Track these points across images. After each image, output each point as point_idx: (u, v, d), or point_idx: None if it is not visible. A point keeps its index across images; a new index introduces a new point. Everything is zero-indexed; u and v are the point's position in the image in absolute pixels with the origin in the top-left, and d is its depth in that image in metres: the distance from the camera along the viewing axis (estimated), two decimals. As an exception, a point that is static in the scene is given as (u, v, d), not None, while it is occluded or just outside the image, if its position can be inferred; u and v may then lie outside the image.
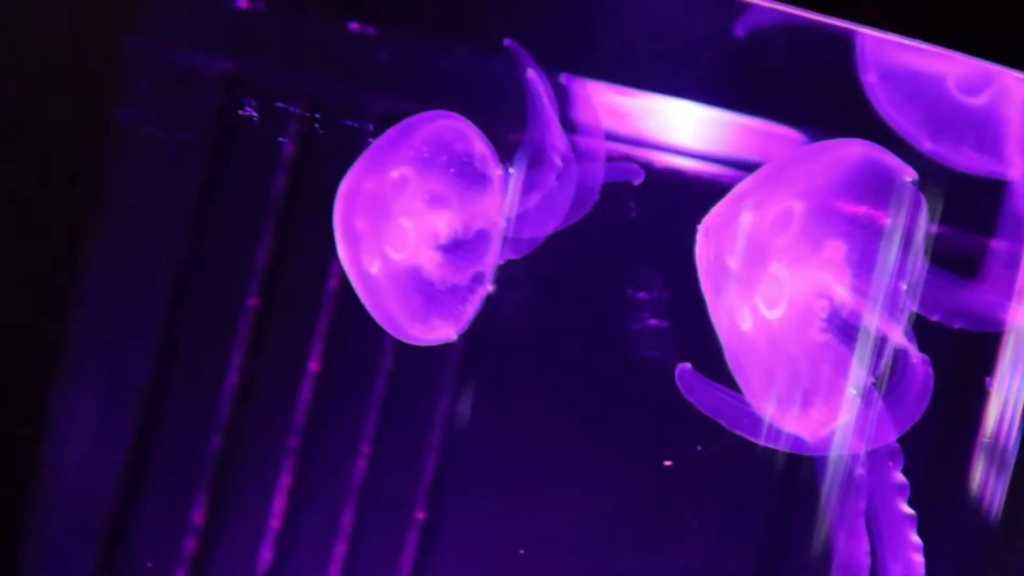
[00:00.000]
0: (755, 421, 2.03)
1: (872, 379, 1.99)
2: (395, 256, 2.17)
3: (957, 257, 2.10)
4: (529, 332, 2.38)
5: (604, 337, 2.35)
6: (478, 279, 2.19)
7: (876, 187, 1.96)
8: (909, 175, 1.97)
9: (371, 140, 2.26)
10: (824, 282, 1.97)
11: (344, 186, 2.21)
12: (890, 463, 2.00)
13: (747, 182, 2.03)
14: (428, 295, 2.18)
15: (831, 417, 1.97)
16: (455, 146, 2.19)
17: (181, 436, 2.45)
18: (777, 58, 2.24)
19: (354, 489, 2.43)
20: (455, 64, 2.38)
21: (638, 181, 2.23)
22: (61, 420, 2.39)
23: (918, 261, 1.98)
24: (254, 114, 2.35)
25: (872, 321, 1.96)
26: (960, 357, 2.19)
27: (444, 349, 2.41)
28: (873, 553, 2.02)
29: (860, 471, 1.99)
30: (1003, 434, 2.17)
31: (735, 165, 2.30)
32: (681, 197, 2.27)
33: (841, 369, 1.97)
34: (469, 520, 2.43)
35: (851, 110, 2.20)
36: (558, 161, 2.17)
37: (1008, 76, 2.05)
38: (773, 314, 1.98)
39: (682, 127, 2.36)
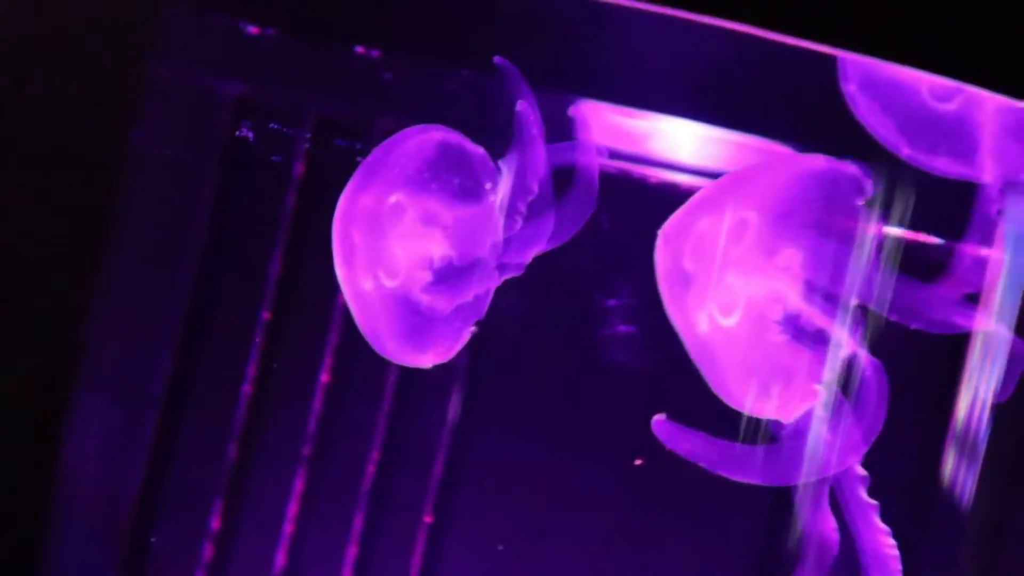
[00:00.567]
0: (735, 462, 2.11)
1: (832, 384, 2.07)
2: (387, 282, 2.25)
3: (926, 261, 2.18)
4: (526, 339, 2.47)
5: (589, 345, 2.43)
6: (471, 307, 2.26)
7: (833, 200, 2.04)
8: (865, 192, 2.05)
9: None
10: (778, 289, 2.05)
11: (340, 205, 2.29)
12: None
13: (706, 190, 2.11)
14: (419, 320, 2.25)
15: (794, 412, 2.06)
16: (446, 159, 2.26)
17: (199, 445, 2.54)
18: (764, 75, 2.32)
19: (364, 494, 2.52)
20: (461, 85, 2.47)
21: (600, 157, 2.29)
22: (83, 431, 2.50)
23: (876, 268, 2.06)
24: (250, 135, 2.45)
25: (826, 328, 2.04)
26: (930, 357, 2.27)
27: (450, 361, 2.50)
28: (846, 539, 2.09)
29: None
30: (972, 430, 2.25)
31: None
32: (671, 209, 2.35)
33: (799, 371, 2.05)
34: (475, 523, 2.51)
35: (838, 123, 2.28)
36: (535, 187, 2.24)
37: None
38: (729, 321, 2.06)
39: (676, 144, 2.44)
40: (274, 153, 2.52)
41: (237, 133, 2.52)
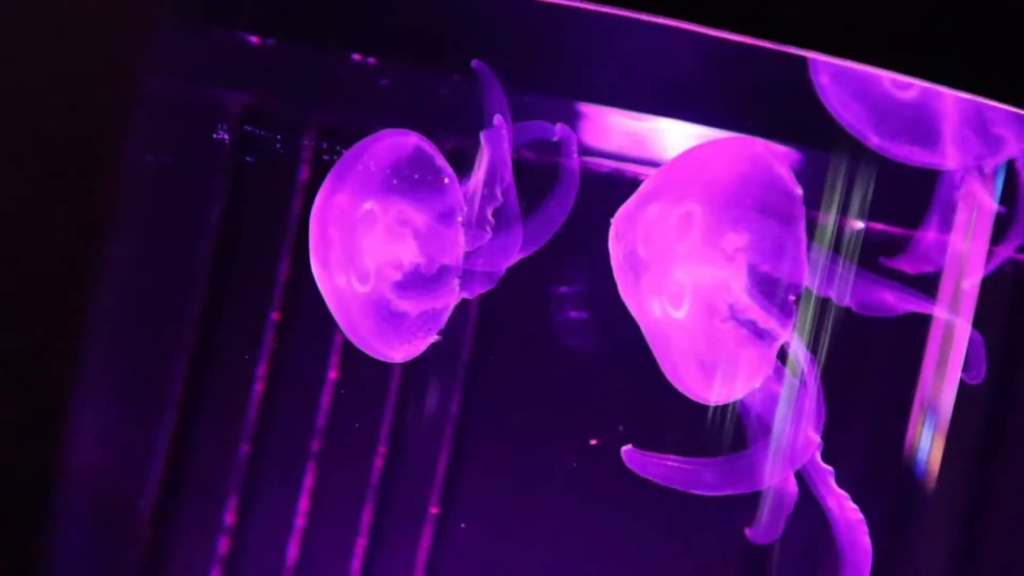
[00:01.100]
0: (707, 482, 2.17)
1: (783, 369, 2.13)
2: (357, 284, 2.31)
3: (882, 250, 2.24)
4: (525, 331, 2.54)
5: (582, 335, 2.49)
6: (435, 315, 2.31)
7: (772, 185, 2.09)
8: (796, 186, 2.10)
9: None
10: (726, 276, 2.10)
11: (315, 204, 2.36)
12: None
13: (652, 179, 2.17)
14: (387, 319, 2.31)
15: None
16: (418, 164, 2.31)
17: (213, 443, 2.63)
18: (729, 71, 2.37)
19: (372, 487, 2.60)
20: (454, 91, 2.54)
21: (555, 138, 2.34)
22: (99, 434, 2.59)
23: (822, 254, 2.11)
24: (226, 138, 2.53)
25: (773, 314, 2.09)
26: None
27: (452, 357, 2.58)
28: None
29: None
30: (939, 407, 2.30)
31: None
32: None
33: (748, 358, 2.11)
34: (480, 513, 2.59)
35: (812, 117, 2.34)
36: (500, 196, 2.29)
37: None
38: (679, 311, 2.12)
39: (664, 143, 2.51)
40: (280, 159, 2.60)
41: (242, 140, 2.60)
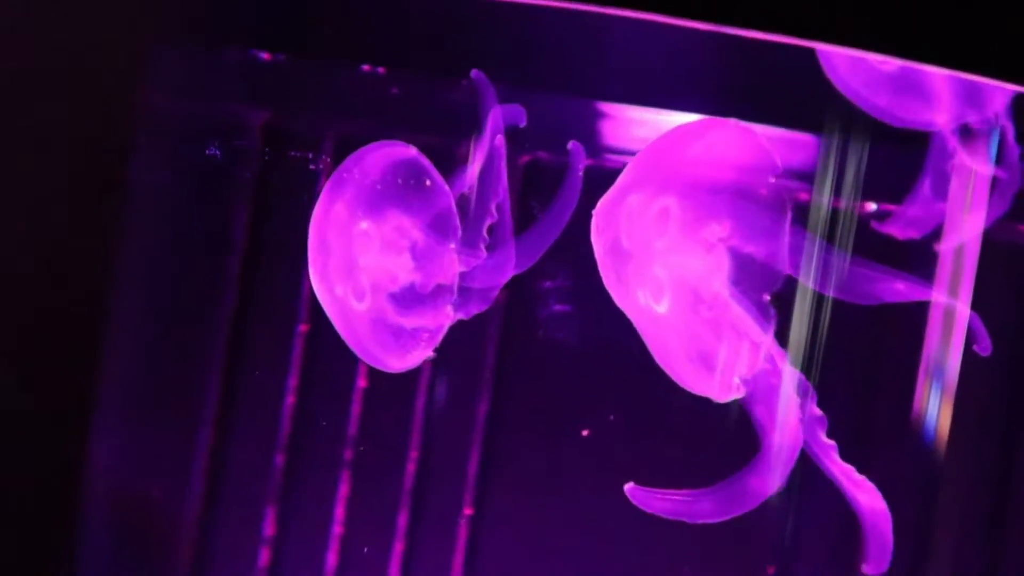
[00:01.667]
0: (710, 510, 2.20)
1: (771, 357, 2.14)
2: (354, 301, 2.33)
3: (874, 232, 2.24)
4: (549, 333, 2.56)
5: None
6: (431, 331, 2.33)
7: (750, 167, 2.09)
8: (775, 167, 2.10)
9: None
10: (706, 266, 2.11)
11: (314, 214, 2.39)
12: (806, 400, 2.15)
13: (630, 169, 2.17)
14: (383, 331, 2.33)
15: (733, 382, 2.13)
16: (412, 179, 2.33)
17: (248, 456, 2.67)
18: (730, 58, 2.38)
19: (406, 491, 2.63)
20: (463, 97, 2.56)
21: (523, 124, 2.34)
22: (140, 452, 2.64)
23: (803, 239, 2.12)
24: (218, 152, 2.57)
25: (757, 302, 2.10)
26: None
27: (477, 359, 2.61)
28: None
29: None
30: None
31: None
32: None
33: (735, 347, 2.11)
34: (512, 511, 2.61)
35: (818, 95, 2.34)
36: (495, 212, 2.29)
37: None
38: (662, 303, 2.13)
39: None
40: (298, 173, 2.63)
41: (263, 155, 2.64)
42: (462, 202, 2.31)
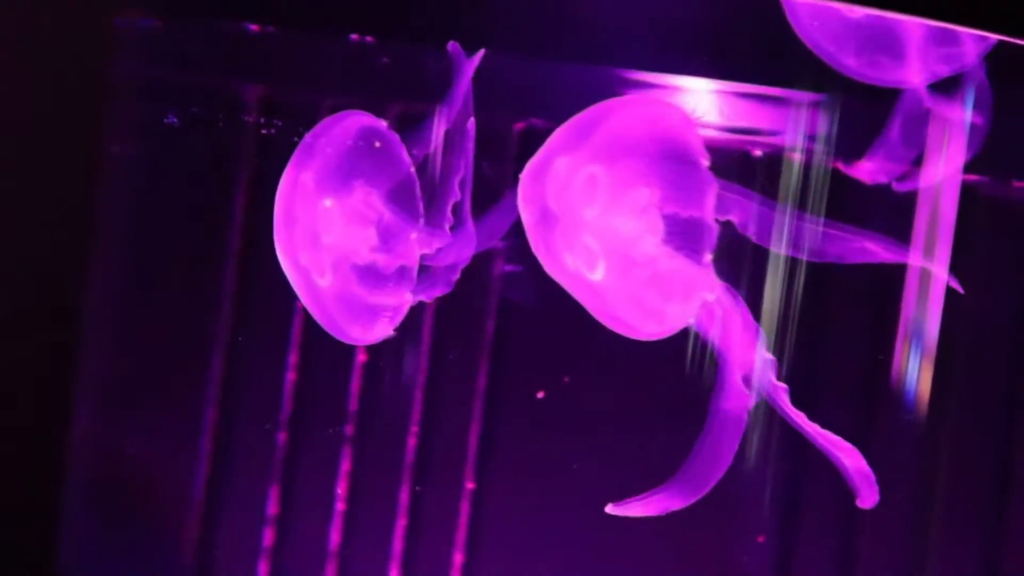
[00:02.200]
0: (688, 488, 2.15)
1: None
2: (319, 277, 2.31)
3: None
4: (545, 312, 2.52)
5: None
6: (392, 309, 2.29)
7: (674, 139, 2.05)
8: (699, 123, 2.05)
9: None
10: (637, 229, 2.06)
11: (280, 184, 2.35)
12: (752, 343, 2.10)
13: (558, 134, 2.12)
14: (346, 303, 2.30)
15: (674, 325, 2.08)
16: (377, 150, 2.29)
17: (251, 436, 2.65)
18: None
19: (407, 467, 2.60)
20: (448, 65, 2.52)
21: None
22: (146, 437, 2.63)
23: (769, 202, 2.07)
24: (175, 122, 2.54)
25: (683, 264, 2.05)
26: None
27: (478, 333, 2.57)
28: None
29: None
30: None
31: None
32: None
33: (675, 293, 2.07)
34: (513, 485, 2.57)
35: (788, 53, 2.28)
36: (458, 191, 2.25)
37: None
38: (596, 270, 2.08)
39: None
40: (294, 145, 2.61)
41: (259, 130, 2.62)
42: (427, 180, 2.27)
